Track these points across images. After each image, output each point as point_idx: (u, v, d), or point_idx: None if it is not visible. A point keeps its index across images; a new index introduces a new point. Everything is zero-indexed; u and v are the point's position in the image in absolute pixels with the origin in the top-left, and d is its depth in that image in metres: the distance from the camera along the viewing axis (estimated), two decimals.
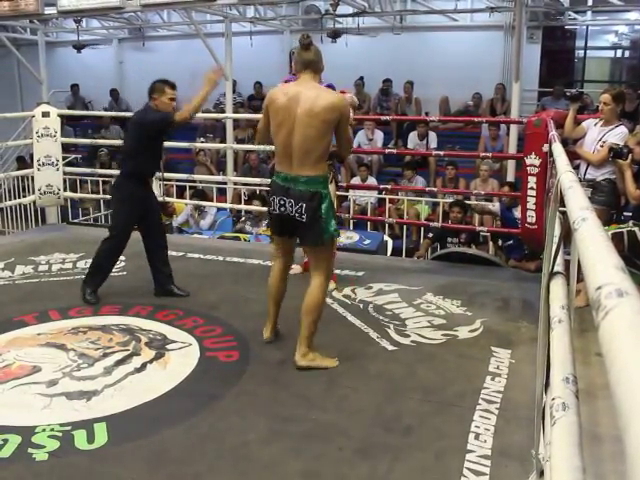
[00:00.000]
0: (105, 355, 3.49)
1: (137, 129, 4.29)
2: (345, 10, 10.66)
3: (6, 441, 2.71)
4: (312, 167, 3.29)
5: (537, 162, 4.77)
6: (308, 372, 3.35)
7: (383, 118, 7.93)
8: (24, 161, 10.80)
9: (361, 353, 3.58)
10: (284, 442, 2.72)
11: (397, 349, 3.62)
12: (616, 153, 4.23)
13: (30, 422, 2.86)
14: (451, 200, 6.87)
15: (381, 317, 4.07)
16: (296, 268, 4.51)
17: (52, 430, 2.79)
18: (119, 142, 8.79)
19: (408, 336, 3.78)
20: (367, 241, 5.82)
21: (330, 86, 4.02)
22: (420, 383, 3.23)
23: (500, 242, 6.19)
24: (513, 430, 2.76)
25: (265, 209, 6.95)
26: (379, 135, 9.94)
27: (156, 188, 6.58)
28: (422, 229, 6.94)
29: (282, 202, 3.31)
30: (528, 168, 4.84)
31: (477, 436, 2.71)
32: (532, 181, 4.82)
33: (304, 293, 3.39)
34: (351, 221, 6.84)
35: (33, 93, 12.26)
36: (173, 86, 4.25)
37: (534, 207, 4.82)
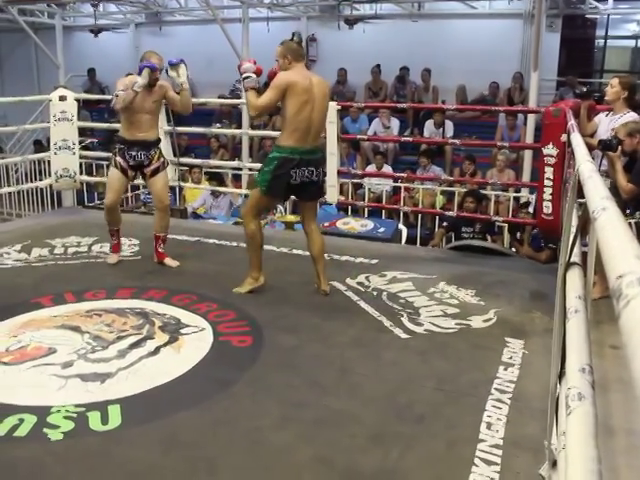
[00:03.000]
0: (119, 338, 3.52)
1: None
2: None
3: (22, 420, 2.74)
4: (320, 138, 4.21)
5: (554, 152, 4.72)
6: (321, 359, 3.36)
7: (400, 106, 7.88)
8: (41, 144, 10.86)
9: (374, 341, 3.58)
10: (296, 428, 2.74)
11: (410, 337, 3.61)
12: (605, 145, 4.10)
13: (45, 402, 2.89)
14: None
15: (395, 305, 4.07)
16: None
17: (67, 411, 2.82)
18: None
19: (421, 325, 3.77)
20: (382, 229, 5.80)
21: (145, 66, 4.50)
22: (433, 372, 3.23)
23: (518, 234, 6.14)
24: (525, 420, 2.76)
25: None
26: (395, 123, 9.89)
27: (171, 172, 6.61)
28: (437, 218, 6.92)
29: (304, 172, 3.99)
30: (545, 158, 4.80)
31: (489, 426, 2.71)
32: (549, 171, 4.78)
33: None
34: (366, 209, 6.82)
35: (50, 77, 12.29)
36: None
37: (550, 198, 4.78)
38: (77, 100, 6.42)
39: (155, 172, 4.79)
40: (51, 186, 6.74)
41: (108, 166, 4.97)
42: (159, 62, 4.62)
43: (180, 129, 6.77)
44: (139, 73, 4.50)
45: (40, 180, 7.67)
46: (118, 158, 4.73)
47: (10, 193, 8.14)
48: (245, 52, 10.16)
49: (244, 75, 4.04)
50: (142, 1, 11.91)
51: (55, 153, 6.37)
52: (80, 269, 4.75)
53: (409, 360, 3.36)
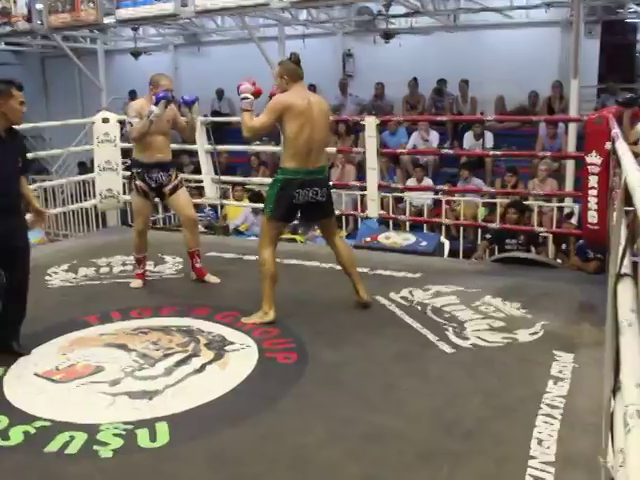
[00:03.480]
0: (166, 356, 3.55)
1: None
2: (398, 10, 10.60)
3: (73, 437, 2.79)
4: (323, 158, 4.13)
5: (598, 161, 4.64)
6: (366, 374, 3.35)
7: (438, 118, 7.84)
8: (85, 166, 11.09)
9: (420, 356, 3.55)
10: (342, 445, 2.72)
11: (456, 352, 3.57)
12: None
13: (95, 420, 2.93)
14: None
15: (439, 319, 4.02)
16: None
17: (116, 428, 2.86)
18: (176, 146, 8.97)
19: (467, 339, 3.72)
20: (424, 243, 5.76)
21: (162, 97, 4.56)
22: (480, 387, 3.18)
23: (564, 245, 6.03)
24: (578, 436, 2.69)
25: None
26: (434, 136, 9.84)
27: (212, 191, 6.69)
28: (479, 230, 6.85)
29: (309, 192, 3.97)
30: (589, 167, 4.72)
31: (540, 442, 2.65)
32: (593, 180, 4.70)
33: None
34: (407, 223, 6.79)
35: (93, 100, 12.58)
36: (20, 87, 3.53)
37: (596, 207, 4.69)
38: (120, 122, 6.55)
39: (174, 189, 4.83)
40: (96, 206, 6.87)
41: (130, 191, 5.00)
42: (170, 84, 4.69)
43: (220, 147, 6.85)
44: (155, 103, 4.53)
45: (85, 201, 7.83)
46: (138, 182, 4.77)
47: (57, 214, 8.34)
48: None
49: (242, 96, 4.03)
50: (180, 23, 12.12)
51: (99, 174, 6.50)
52: (125, 288, 4.82)
53: (455, 375, 3.32)
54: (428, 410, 2.98)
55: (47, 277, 5.09)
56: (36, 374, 3.42)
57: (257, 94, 4.07)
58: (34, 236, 7.52)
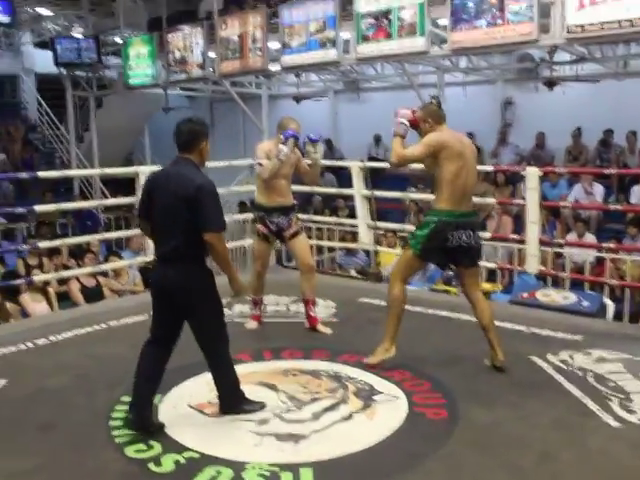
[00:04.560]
0: (314, 400, 3.56)
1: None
2: (562, 57, 10.27)
3: (219, 473, 2.86)
4: (472, 200, 4.08)
5: None
6: (520, 440, 3.16)
7: (606, 171, 7.43)
8: (245, 205, 11.59)
9: (579, 426, 3.30)
10: None
11: (622, 426, 3.28)
12: None
13: (241, 458, 2.98)
14: None
15: (602, 388, 3.72)
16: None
17: (261, 468, 2.88)
18: (333, 190, 9.17)
19: (634, 412, 3.41)
20: (585, 303, 5.41)
21: (291, 135, 4.61)
22: None
23: None
24: None
25: None
26: (598, 189, 9.32)
27: (367, 236, 6.71)
28: None
29: (462, 235, 3.88)
30: None
31: None
32: None
33: None
34: (567, 280, 6.43)
35: (255, 141, 13.15)
36: None
37: None
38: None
39: (295, 235, 4.84)
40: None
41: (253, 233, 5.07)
42: (298, 128, 4.71)
43: (378, 193, 6.89)
44: (284, 141, 4.61)
45: (244, 239, 8.14)
46: (259, 226, 4.85)
47: None
48: None
49: (399, 120, 4.00)
50: (341, 70, 12.48)
51: None
52: (277, 328, 4.93)
53: (620, 452, 3.05)
54: None
55: None
56: (190, 405, 3.55)
57: (415, 123, 4.04)
58: None
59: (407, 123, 4.02)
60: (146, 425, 3.22)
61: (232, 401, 3.44)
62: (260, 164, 4.69)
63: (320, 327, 4.83)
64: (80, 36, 13.31)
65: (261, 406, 3.45)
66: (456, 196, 3.88)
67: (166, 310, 3.29)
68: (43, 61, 14.12)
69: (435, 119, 3.97)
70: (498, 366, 3.98)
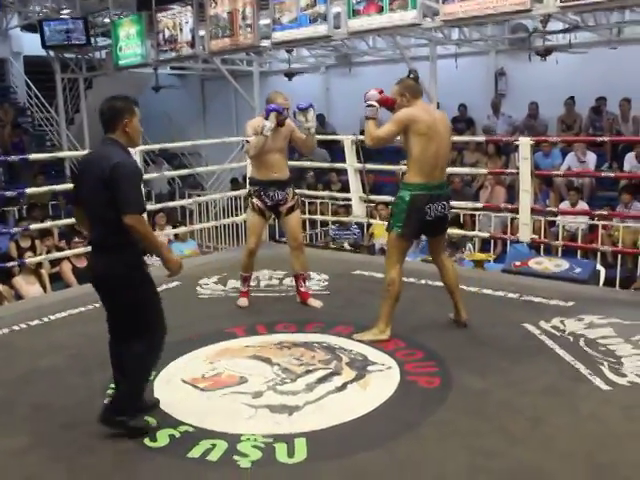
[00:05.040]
0: (307, 372, 3.58)
1: None
2: (555, 26, 10.19)
3: (214, 446, 2.88)
4: (445, 172, 4.11)
5: None
6: (512, 405, 3.19)
7: (598, 139, 7.40)
8: (237, 182, 11.56)
9: (570, 390, 3.32)
10: (485, 478, 2.60)
11: (612, 389, 3.30)
12: None
13: (236, 430, 3.00)
14: None
15: (593, 352, 3.75)
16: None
17: (255, 440, 2.90)
18: (326, 165, 9.14)
19: (625, 376, 3.44)
20: (578, 269, 5.42)
21: (272, 109, 4.58)
22: (639, 430, 2.92)
23: None
24: None
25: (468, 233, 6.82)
26: (591, 157, 9.30)
27: (360, 209, 6.71)
28: (639, 258, 6.38)
29: (437, 207, 3.97)
30: None
31: None
32: None
33: None
34: (560, 248, 6.44)
35: (247, 119, 13.07)
36: (137, 103, 3.13)
37: None
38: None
39: (290, 210, 4.83)
40: (246, 221, 7.09)
41: (246, 208, 5.03)
42: (285, 102, 4.67)
43: (370, 166, 6.86)
44: (266, 116, 4.57)
45: (236, 216, 8.14)
46: (255, 200, 4.81)
47: (209, 227, 8.74)
48: (433, 89, 10.16)
49: (367, 103, 4.00)
50: (333, 45, 12.36)
51: None
52: (271, 302, 4.94)
53: (611, 415, 3.07)
54: (579, 450, 2.78)
55: (198, 288, 5.33)
56: (183, 380, 3.57)
57: (384, 102, 4.03)
58: (188, 248, 7.95)
59: (376, 104, 4.01)
60: (105, 417, 3.01)
61: (121, 407, 3.03)
62: (247, 142, 4.67)
63: (311, 301, 4.84)
64: (68, 17, 13.15)
65: (147, 430, 3.03)
66: (425, 170, 3.92)
67: (103, 300, 3.11)
68: (31, 44, 13.94)
69: (412, 93, 3.98)
70: (463, 321, 4.21)
